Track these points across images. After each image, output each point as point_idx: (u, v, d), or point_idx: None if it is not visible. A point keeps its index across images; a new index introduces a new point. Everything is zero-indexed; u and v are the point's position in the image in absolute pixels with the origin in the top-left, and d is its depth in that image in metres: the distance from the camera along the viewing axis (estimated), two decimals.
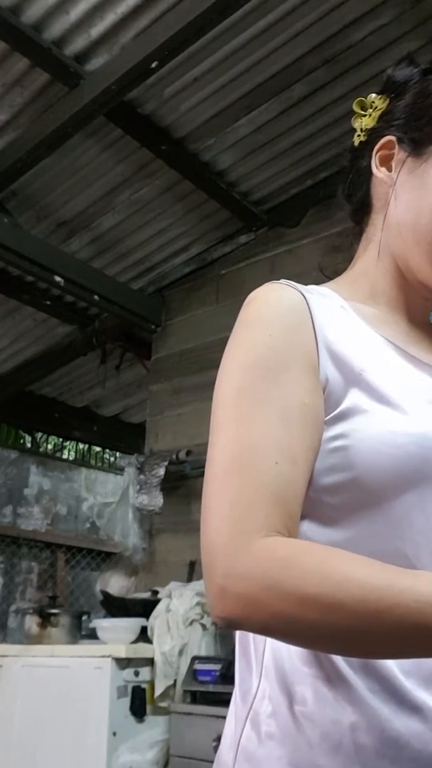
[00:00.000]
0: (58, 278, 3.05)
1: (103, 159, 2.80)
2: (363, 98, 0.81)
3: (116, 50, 2.29)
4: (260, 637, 0.68)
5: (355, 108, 0.82)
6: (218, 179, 2.94)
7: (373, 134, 0.79)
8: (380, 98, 0.81)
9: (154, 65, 2.19)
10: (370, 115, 0.81)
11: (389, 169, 0.77)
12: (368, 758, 0.60)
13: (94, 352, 3.84)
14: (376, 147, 0.78)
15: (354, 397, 0.65)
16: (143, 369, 3.66)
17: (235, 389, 0.65)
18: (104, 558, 4.38)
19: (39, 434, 4.96)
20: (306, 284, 0.75)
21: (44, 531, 4.37)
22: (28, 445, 4.85)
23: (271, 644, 0.67)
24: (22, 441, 4.87)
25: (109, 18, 2.21)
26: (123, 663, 2.31)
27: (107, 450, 5.35)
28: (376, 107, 0.81)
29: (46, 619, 2.72)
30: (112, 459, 5.41)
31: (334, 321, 0.69)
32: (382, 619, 0.53)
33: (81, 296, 3.23)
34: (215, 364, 0.69)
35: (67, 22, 2.22)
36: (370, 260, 0.79)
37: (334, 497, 0.64)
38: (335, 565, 0.56)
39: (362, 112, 0.82)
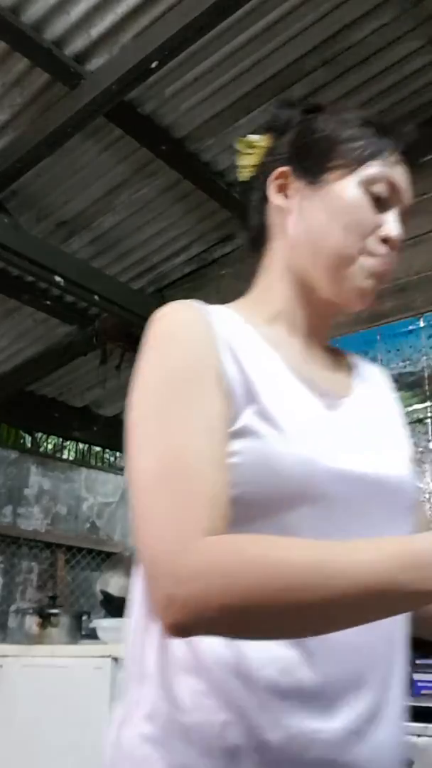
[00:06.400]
0: (58, 278, 3.05)
1: (103, 159, 2.80)
2: (244, 139, 0.90)
3: (116, 50, 2.29)
4: (147, 643, 0.71)
5: (240, 147, 0.89)
6: (218, 179, 2.93)
7: (264, 168, 0.86)
8: (264, 138, 0.89)
9: (154, 65, 2.19)
10: (255, 153, 0.88)
11: (286, 197, 0.83)
12: (243, 761, 0.64)
13: (94, 352, 3.84)
14: (271, 177, 0.83)
15: (249, 416, 0.69)
16: None
17: (156, 403, 0.68)
18: (104, 558, 4.37)
19: (39, 434, 4.95)
20: None
21: (44, 531, 4.36)
22: (28, 445, 4.84)
23: (156, 651, 0.70)
24: (22, 441, 4.87)
25: (109, 18, 2.21)
26: (123, 663, 2.31)
27: (107, 450, 5.35)
28: (260, 146, 0.88)
29: (46, 619, 2.72)
30: (112, 459, 5.40)
31: (236, 339, 0.73)
32: (330, 591, 0.56)
33: (81, 296, 3.23)
34: None
35: (67, 22, 2.22)
36: (271, 283, 0.83)
37: None
38: (278, 550, 0.59)
39: (247, 151, 0.89)
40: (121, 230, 3.19)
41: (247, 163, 0.88)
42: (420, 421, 2.43)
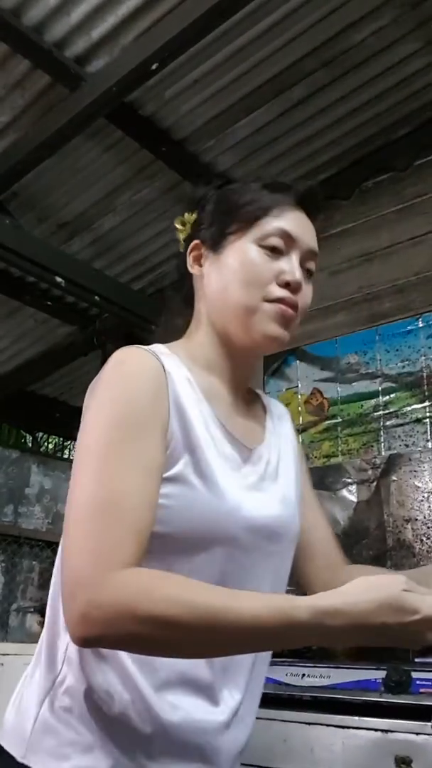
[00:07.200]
0: (59, 279, 3.06)
1: (104, 160, 2.81)
2: (181, 216, 1.04)
3: (117, 52, 2.30)
4: (65, 633, 0.81)
5: (177, 224, 1.05)
6: None
7: (188, 241, 1.00)
8: (191, 215, 1.03)
9: (154, 67, 2.20)
10: (185, 229, 1.03)
11: (200, 265, 0.97)
12: (148, 742, 0.78)
13: (94, 352, 3.86)
14: (189, 250, 0.99)
15: (184, 465, 0.80)
16: None
17: (103, 441, 0.77)
18: None
19: (40, 434, 4.98)
20: None
21: (45, 530, 4.38)
22: (29, 444, 4.86)
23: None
24: (23, 441, 4.89)
25: (110, 20, 2.22)
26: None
27: None
28: (189, 221, 1.03)
29: None
30: None
31: (183, 391, 0.84)
32: (212, 633, 0.69)
33: (82, 297, 3.24)
34: None
35: (67, 24, 2.23)
36: (200, 339, 0.96)
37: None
38: (179, 591, 0.70)
39: (182, 228, 1.04)
40: (122, 231, 3.20)
41: (181, 237, 1.04)
42: (419, 420, 2.44)
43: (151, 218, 3.13)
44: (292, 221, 0.92)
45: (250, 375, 1.00)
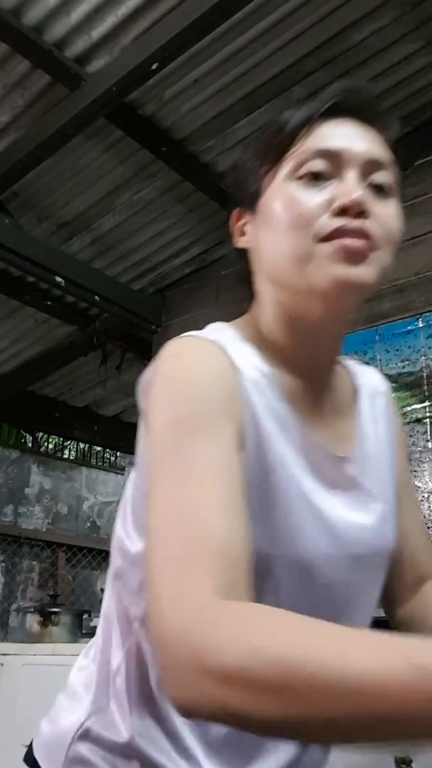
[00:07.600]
0: (59, 279, 3.06)
1: (104, 160, 2.81)
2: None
3: (117, 52, 2.30)
4: (114, 659, 0.75)
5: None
6: (218, 180, 2.95)
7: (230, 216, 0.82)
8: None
9: (154, 67, 2.20)
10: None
11: (244, 234, 0.78)
12: None
13: (94, 352, 3.86)
14: (231, 222, 0.80)
15: (257, 486, 0.66)
16: (144, 369, 3.66)
17: (176, 443, 0.62)
18: (105, 557, 4.39)
19: (40, 434, 4.97)
20: None
21: (45, 530, 4.38)
22: (29, 444, 4.86)
23: (124, 675, 0.74)
24: (23, 441, 4.89)
25: (110, 20, 2.22)
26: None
27: (108, 449, 5.37)
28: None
29: (47, 618, 2.74)
30: (112, 458, 5.42)
31: (256, 390, 0.69)
32: (348, 705, 0.43)
33: (82, 297, 3.24)
34: None
35: (67, 23, 2.23)
36: (267, 316, 0.77)
37: None
38: (298, 644, 0.46)
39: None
40: (122, 231, 3.20)
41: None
42: (419, 420, 2.44)
43: (151, 218, 3.13)
44: (333, 133, 0.70)
45: (334, 357, 0.78)
